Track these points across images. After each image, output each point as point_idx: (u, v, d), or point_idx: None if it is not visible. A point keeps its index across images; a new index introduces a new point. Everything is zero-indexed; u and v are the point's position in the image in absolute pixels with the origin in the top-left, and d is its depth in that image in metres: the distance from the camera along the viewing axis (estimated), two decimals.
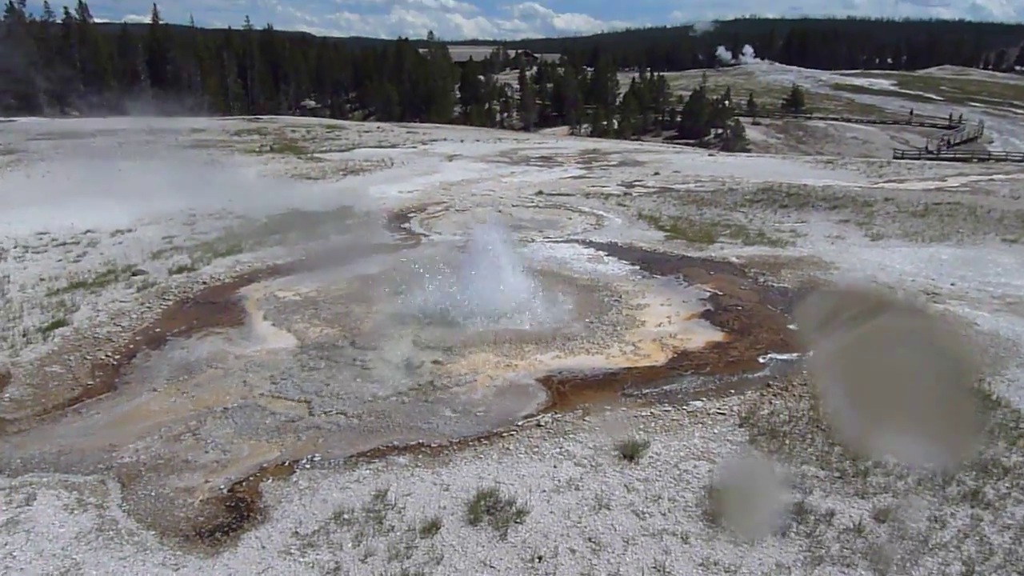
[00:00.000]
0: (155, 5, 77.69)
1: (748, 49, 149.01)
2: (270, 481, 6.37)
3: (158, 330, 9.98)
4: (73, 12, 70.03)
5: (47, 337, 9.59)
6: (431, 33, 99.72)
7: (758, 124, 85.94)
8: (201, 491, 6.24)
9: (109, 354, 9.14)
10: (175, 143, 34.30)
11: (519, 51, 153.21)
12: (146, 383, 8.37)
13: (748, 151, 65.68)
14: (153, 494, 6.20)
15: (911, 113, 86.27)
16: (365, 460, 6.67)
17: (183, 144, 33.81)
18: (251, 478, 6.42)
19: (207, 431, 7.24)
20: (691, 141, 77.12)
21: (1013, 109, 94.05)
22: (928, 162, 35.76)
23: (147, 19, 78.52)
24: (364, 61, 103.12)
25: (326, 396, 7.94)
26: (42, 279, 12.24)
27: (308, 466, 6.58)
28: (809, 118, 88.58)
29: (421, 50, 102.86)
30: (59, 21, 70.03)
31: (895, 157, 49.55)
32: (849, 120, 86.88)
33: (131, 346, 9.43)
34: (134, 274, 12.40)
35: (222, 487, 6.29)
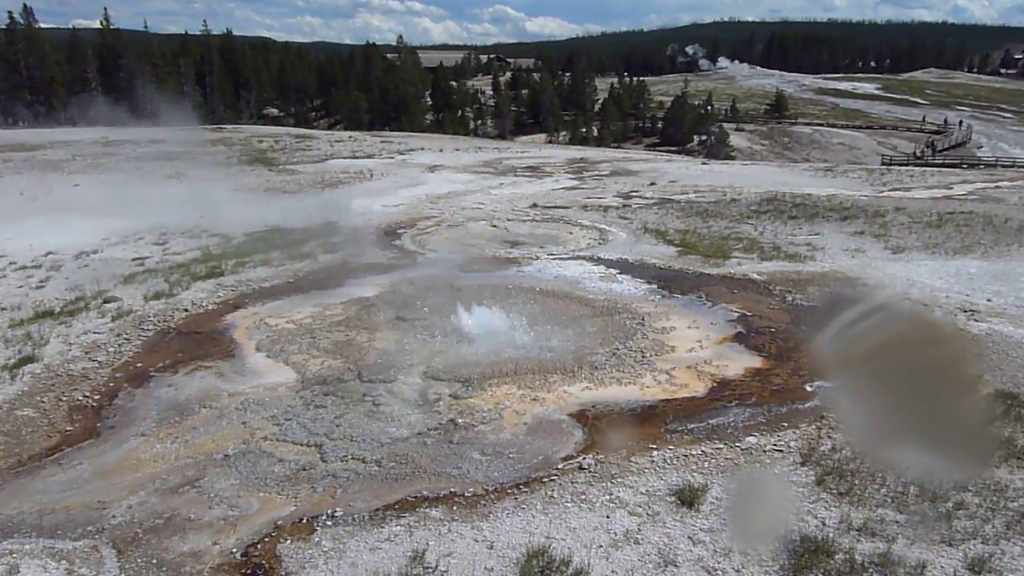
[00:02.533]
0: (105, 9, 76.70)
1: (723, 60, 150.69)
2: (289, 542, 5.87)
3: (139, 365, 9.44)
4: (17, 16, 68.64)
5: (15, 376, 9.01)
6: (400, 38, 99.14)
7: (742, 130, 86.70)
8: (211, 556, 5.73)
9: (87, 394, 8.59)
10: (135, 155, 33.55)
11: (491, 56, 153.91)
12: (132, 427, 7.83)
13: (733, 158, 66.10)
14: (155, 562, 5.68)
15: (923, 120, 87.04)
16: (393, 514, 6.20)
17: (144, 156, 33.06)
18: (267, 539, 5.92)
19: (209, 482, 6.73)
20: (673, 148, 77.61)
21: (1000, 113, 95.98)
22: (928, 168, 36.08)
23: (96, 23, 77.24)
24: (329, 67, 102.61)
25: (338, 439, 7.46)
26: (3, 308, 11.62)
27: (330, 523, 6.09)
28: (794, 123, 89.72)
29: (390, 55, 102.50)
30: (2, 26, 68.58)
31: (883, 163, 50.07)
32: (834, 125, 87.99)
33: (111, 384, 8.87)
34: (106, 301, 11.82)
35: (235, 551, 5.78)
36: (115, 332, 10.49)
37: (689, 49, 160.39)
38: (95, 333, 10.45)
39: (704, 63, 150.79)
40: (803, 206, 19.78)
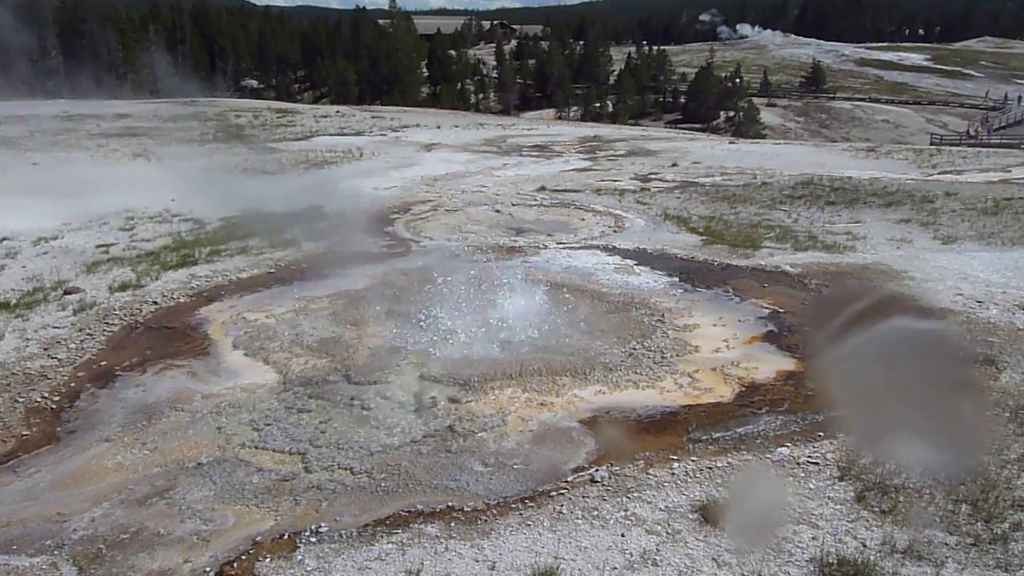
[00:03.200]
0: None
1: (745, 27, 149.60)
2: (268, 560, 5.88)
3: (104, 363, 9.46)
4: None
5: None
6: (393, 2, 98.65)
7: (774, 106, 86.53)
8: (182, 575, 5.73)
9: (46, 395, 8.61)
10: (98, 131, 33.62)
11: (494, 22, 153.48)
12: (96, 431, 7.85)
13: (763, 137, 66.00)
14: None
15: (986, 95, 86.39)
16: (385, 530, 6.20)
17: (108, 132, 33.13)
18: (244, 557, 5.93)
19: (180, 493, 6.74)
20: (697, 125, 77.55)
21: None
22: (983, 149, 35.95)
23: None
24: (314, 35, 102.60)
25: (324, 446, 7.47)
26: None
27: (314, 539, 6.10)
28: (832, 98, 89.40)
29: (381, 21, 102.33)
30: None
31: (932, 143, 49.93)
32: (878, 100, 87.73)
33: (72, 384, 8.89)
34: (67, 292, 11.85)
35: (208, 570, 5.79)
36: (77, 327, 10.51)
37: (704, 16, 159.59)
38: (55, 328, 10.47)
39: (723, 31, 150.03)
40: (842, 190, 19.74)
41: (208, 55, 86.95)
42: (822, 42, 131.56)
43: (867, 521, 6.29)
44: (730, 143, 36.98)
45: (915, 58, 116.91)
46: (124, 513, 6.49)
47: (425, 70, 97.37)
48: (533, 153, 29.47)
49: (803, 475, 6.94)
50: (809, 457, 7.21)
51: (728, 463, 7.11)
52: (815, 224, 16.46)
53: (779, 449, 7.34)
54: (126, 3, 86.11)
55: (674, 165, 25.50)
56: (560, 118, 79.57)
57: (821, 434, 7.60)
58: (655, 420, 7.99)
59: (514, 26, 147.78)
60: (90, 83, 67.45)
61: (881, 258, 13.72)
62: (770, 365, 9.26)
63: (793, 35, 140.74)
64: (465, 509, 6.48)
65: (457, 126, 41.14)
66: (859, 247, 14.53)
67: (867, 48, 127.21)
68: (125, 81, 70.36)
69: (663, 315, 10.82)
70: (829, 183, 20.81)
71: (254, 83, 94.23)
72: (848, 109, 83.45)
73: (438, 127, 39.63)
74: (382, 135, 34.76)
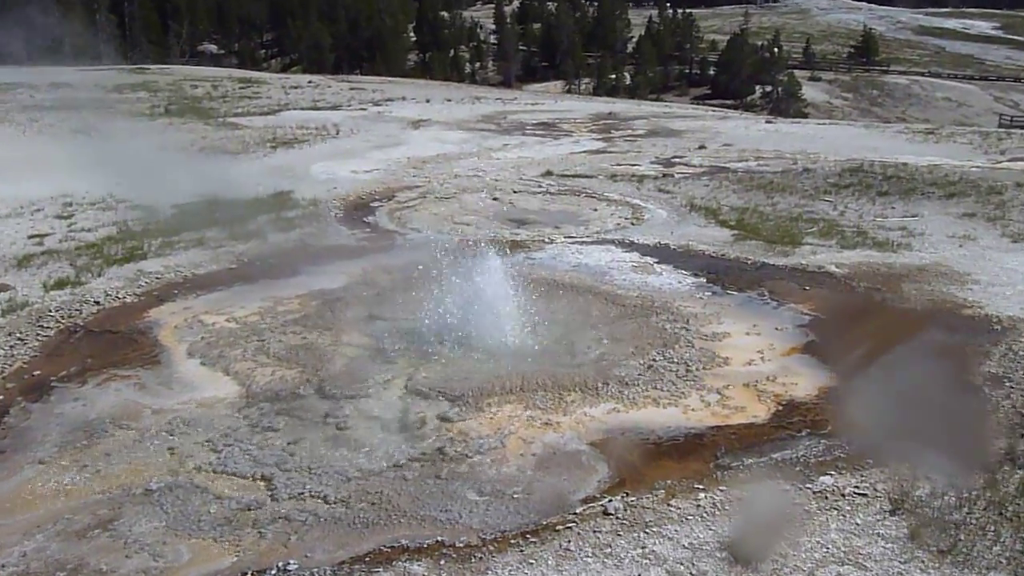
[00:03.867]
0: None
1: None
2: None
3: (37, 373, 9.50)
4: None
5: None
6: None
7: (818, 80, 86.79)
8: None
9: None
10: (31, 102, 33.67)
11: None
12: (28, 452, 7.89)
13: (805, 116, 66.14)
14: None
15: None
16: (364, 569, 6.23)
17: (42, 104, 33.17)
18: None
19: (125, 524, 6.77)
20: (729, 102, 77.67)
21: None
22: None
23: None
24: None
25: (293, 470, 7.51)
26: None
27: None
28: (886, 72, 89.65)
29: None
30: None
31: (1001, 125, 50.04)
32: (939, 75, 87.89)
33: (1, 397, 8.93)
34: None
35: None
36: (5, 330, 10.55)
37: None
38: None
39: None
40: (896, 179, 19.79)
41: (160, 15, 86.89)
42: (875, 6, 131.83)
43: (922, 562, 6.32)
44: (767, 123, 37.03)
45: (983, 26, 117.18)
46: (61, 547, 6.52)
47: (412, 35, 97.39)
48: (538, 132, 29.53)
49: (849, 508, 6.98)
50: (856, 488, 7.24)
51: (762, 494, 7.14)
52: (865, 218, 16.52)
53: (821, 478, 7.37)
54: None
55: (701, 148, 25.56)
56: (569, 91, 79.69)
57: (870, 462, 7.64)
58: (678, 443, 8.03)
59: None
60: (21, 47, 67.38)
61: (941, 258, 13.77)
62: (810, 381, 9.31)
63: None
64: (457, 545, 6.51)
65: (450, 100, 41.18)
66: (916, 245, 14.58)
67: (927, 14, 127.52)
68: (62, 45, 70.40)
69: (688, 321, 10.86)
70: (881, 170, 20.86)
71: (213, 48, 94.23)
72: (904, 85, 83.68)
73: (427, 101, 39.68)
74: (362, 109, 34.80)
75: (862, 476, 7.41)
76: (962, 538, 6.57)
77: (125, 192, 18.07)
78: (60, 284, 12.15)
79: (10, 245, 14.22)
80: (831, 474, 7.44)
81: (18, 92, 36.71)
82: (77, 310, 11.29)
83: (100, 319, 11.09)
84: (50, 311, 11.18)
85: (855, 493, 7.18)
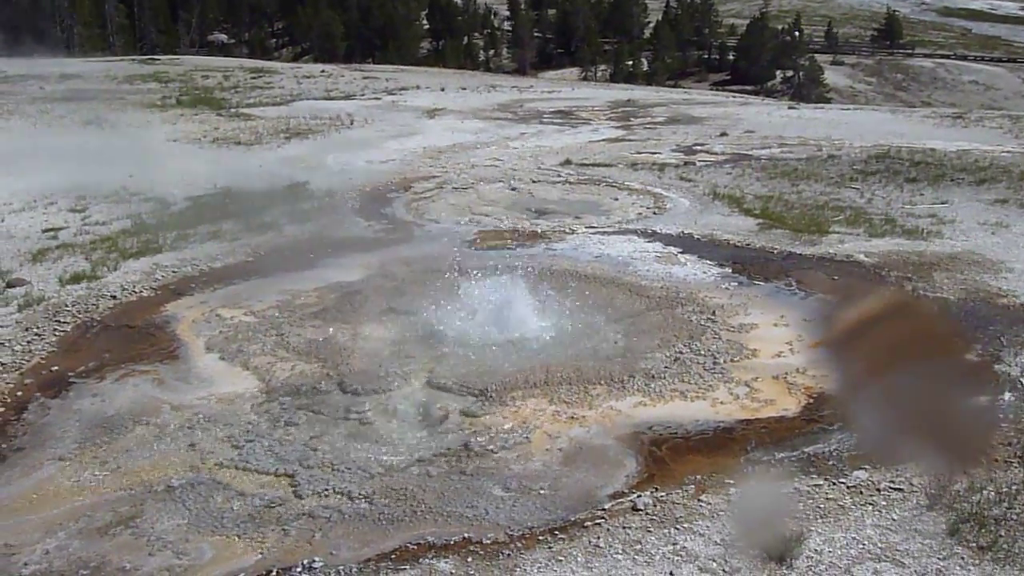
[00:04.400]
0: None
1: None
2: None
3: (55, 368, 9.53)
4: None
5: None
6: None
7: (840, 64, 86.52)
8: None
9: None
10: (41, 94, 33.82)
11: None
12: (48, 448, 7.91)
13: (829, 101, 65.88)
14: None
15: None
16: (390, 566, 6.23)
17: (52, 96, 33.32)
18: None
19: (148, 522, 6.79)
20: (750, 88, 77.48)
21: None
22: None
23: None
24: None
25: (315, 467, 7.52)
26: None
27: None
28: (910, 54, 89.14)
29: None
30: None
31: None
32: (965, 58, 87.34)
33: (19, 393, 8.96)
34: (10, 285, 11.96)
35: None
36: (23, 326, 10.59)
37: None
38: None
39: None
40: (924, 165, 19.68)
41: (169, 5, 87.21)
42: None
43: (962, 559, 6.28)
44: (789, 108, 36.88)
45: (1010, 6, 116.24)
46: (82, 545, 6.54)
47: (426, 22, 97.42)
48: (555, 120, 29.49)
49: (884, 504, 6.93)
50: (891, 482, 7.19)
51: (795, 489, 7.11)
52: (893, 205, 16.43)
53: (855, 472, 7.32)
54: None
55: (723, 135, 25.48)
56: (586, 79, 79.63)
57: (906, 454, 7.58)
58: (707, 437, 8.00)
59: None
60: (31, 38, 67.78)
61: (973, 246, 13.68)
62: (842, 373, 9.26)
63: None
64: (484, 541, 6.50)
65: (464, 88, 41.17)
66: (946, 232, 14.48)
67: None
68: (72, 36, 70.76)
69: (714, 313, 10.83)
70: (908, 156, 20.75)
71: (223, 38, 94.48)
72: (929, 68, 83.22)
73: (442, 89, 39.69)
74: (376, 99, 34.83)
75: (897, 470, 7.36)
76: (1003, 534, 6.51)
77: (139, 184, 18.14)
78: (76, 278, 12.20)
79: (24, 239, 14.29)
80: (865, 468, 7.39)
81: (28, 84, 36.88)
82: (93, 304, 11.33)
83: (117, 313, 11.13)
84: (66, 306, 11.23)
85: (891, 488, 7.12)
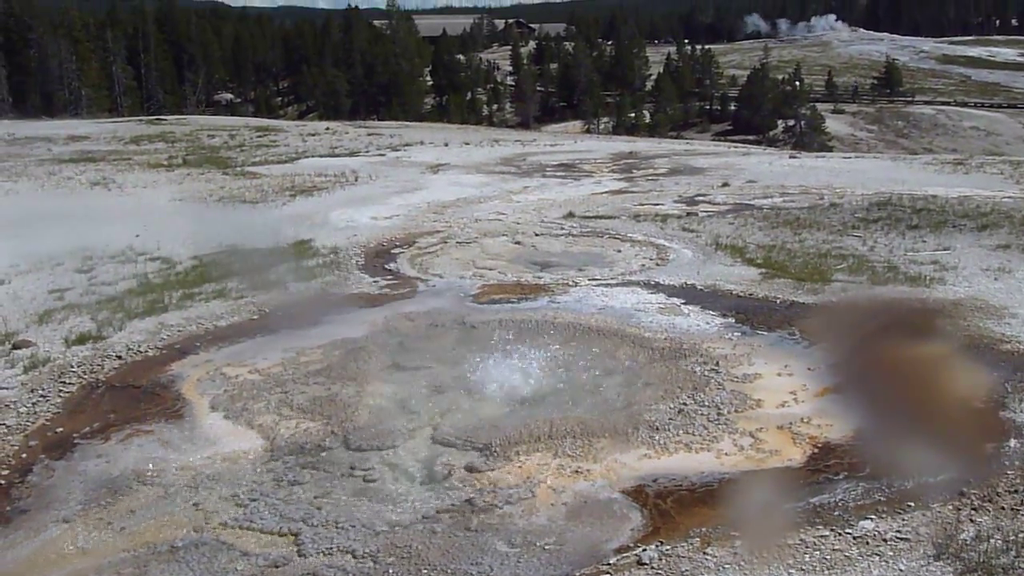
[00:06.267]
0: None
1: (784, 24, 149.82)
2: None
3: (60, 430, 9.55)
4: None
5: None
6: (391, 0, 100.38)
7: (841, 112, 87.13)
8: None
9: None
10: (49, 156, 34.16)
11: (509, 21, 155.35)
12: (52, 510, 7.91)
13: (830, 149, 66.21)
14: None
15: None
16: None
17: (60, 157, 33.66)
18: None
19: None
20: (751, 138, 77.94)
21: None
22: None
23: None
24: (299, 39, 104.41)
25: (320, 525, 7.50)
26: None
27: None
28: (910, 102, 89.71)
29: (377, 22, 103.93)
30: None
31: None
32: (965, 104, 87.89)
33: (24, 455, 8.97)
34: (16, 347, 11.99)
35: None
36: (28, 387, 10.62)
37: (750, 20, 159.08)
38: (2, 388, 10.58)
39: (759, 26, 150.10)
40: (926, 212, 19.74)
41: (175, 66, 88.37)
42: (897, 37, 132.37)
43: None
44: (791, 157, 37.09)
45: (1008, 53, 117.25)
46: None
47: (429, 78, 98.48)
48: (558, 173, 29.66)
49: (891, 554, 6.89)
50: (898, 532, 7.15)
51: (801, 540, 7.07)
52: (895, 252, 16.45)
53: (862, 523, 7.29)
54: (80, 6, 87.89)
55: (725, 185, 25.59)
56: (588, 131, 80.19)
57: (911, 504, 7.56)
58: (712, 489, 7.98)
59: (532, 25, 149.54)
60: (39, 100, 68.64)
61: (976, 292, 13.68)
62: (847, 422, 9.23)
63: (863, 29, 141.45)
64: None
65: (468, 143, 41.49)
66: (949, 279, 14.50)
67: (951, 43, 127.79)
68: (80, 98, 71.63)
69: (718, 363, 10.82)
70: (910, 203, 20.81)
71: (229, 97, 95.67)
72: (930, 115, 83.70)
73: (445, 144, 40.02)
74: (380, 155, 35.12)
75: (904, 520, 7.33)
76: None
77: (145, 244, 18.27)
78: (82, 339, 12.25)
79: (31, 300, 14.36)
80: (871, 518, 7.36)
81: (36, 146, 37.28)
82: (99, 365, 11.36)
83: (122, 374, 11.16)
84: (72, 366, 11.26)
85: (897, 538, 7.09)
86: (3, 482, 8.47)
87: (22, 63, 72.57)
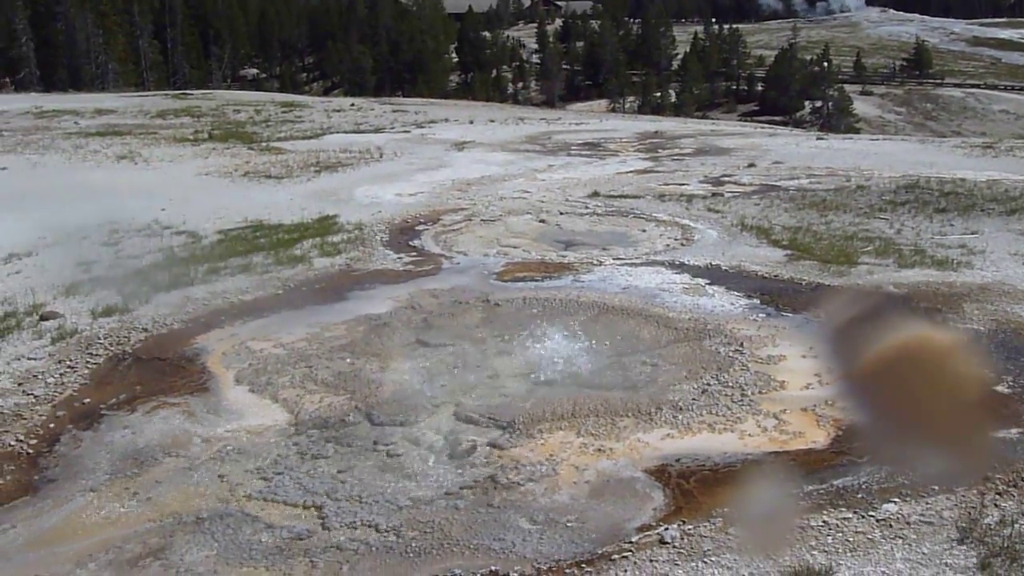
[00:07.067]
0: None
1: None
2: None
3: (87, 401, 9.65)
4: None
5: None
6: None
7: (869, 94, 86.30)
8: None
9: (21, 438, 8.80)
10: (76, 129, 34.33)
11: None
12: (79, 480, 8.01)
13: (858, 131, 65.66)
14: None
15: None
16: None
17: (87, 131, 33.81)
18: None
19: (177, 553, 6.85)
20: (778, 119, 77.33)
21: None
22: None
23: None
24: (324, 15, 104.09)
25: (343, 499, 7.57)
26: None
27: None
28: (940, 84, 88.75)
29: None
30: None
31: None
32: (995, 87, 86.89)
33: (52, 425, 9.08)
34: (43, 318, 12.10)
35: None
36: (55, 358, 10.72)
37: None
38: (30, 359, 10.70)
39: (772, 4, 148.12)
40: (955, 195, 19.55)
41: (201, 41, 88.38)
42: (927, 18, 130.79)
43: None
44: (818, 139, 36.79)
45: None
46: (113, 575, 6.61)
47: (454, 55, 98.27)
48: (583, 152, 29.55)
49: (915, 537, 6.87)
50: (922, 515, 7.13)
51: (824, 522, 7.06)
52: (922, 236, 16.31)
53: (885, 506, 7.27)
54: None
55: (751, 165, 25.43)
56: (614, 110, 79.84)
57: (936, 488, 7.52)
58: (735, 470, 7.98)
59: (559, 3, 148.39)
60: (66, 74, 68.94)
61: (1004, 276, 13.56)
62: (871, 404, 9.20)
63: (892, 10, 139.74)
64: (511, 574, 6.51)
65: (493, 121, 41.40)
66: (976, 263, 14.37)
67: (982, 24, 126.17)
68: (106, 72, 71.86)
69: (742, 344, 10.80)
70: (938, 186, 20.63)
71: (255, 72, 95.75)
72: (959, 98, 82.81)
73: (470, 122, 39.93)
74: (405, 132, 35.10)
75: (928, 503, 7.30)
76: None
77: (170, 218, 18.35)
78: (108, 311, 12.34)
79: (58, 272, 14.45)
80: (895, 501, 7.34)
81: (63, 119, 37.45)
82: (125, 337, 11.44)
83: (148, 346, 11.24)
84: (98, 338, 11.36)
85: (921, 521, 7.07)
86: (31, 452, 8.58)
87: (49, 37, 72.77)
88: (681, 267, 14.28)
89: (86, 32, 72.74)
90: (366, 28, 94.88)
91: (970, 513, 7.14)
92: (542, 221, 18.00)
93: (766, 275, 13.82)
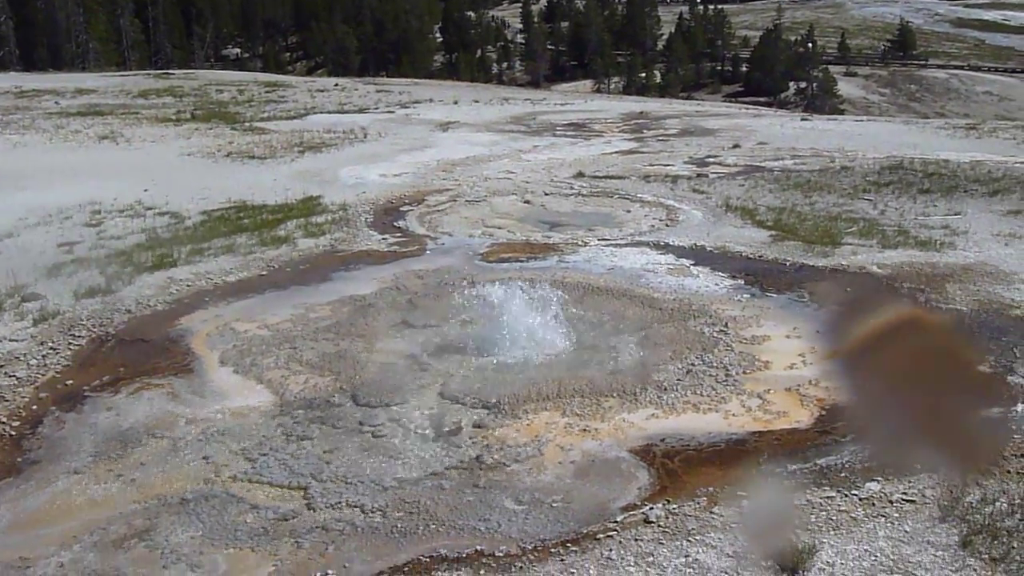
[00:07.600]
0: None
1: None
2: None
3: (70, 382, 9.60)
4: None
5: None
6: None
7: (854, 75, 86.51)
8: None
9: (3, 420, 8.75)
10: (57, 109, 34.08)
11: None
12: (63, 462, 7.97)
13: (842, 112, 65.82)
14: None
15: None
16: None
17: (68, 111, 33.58)
18: None
19: (162, 534, 6.83)
20: (763, 99, 77.49)
21: None
22: None
23: None
24: None
25: (328, 480, 7.55)
26: None
27: None
28: (924, 66, 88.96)
29: None
30: None
31: None
32: (979, 68, 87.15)
33: (34, 407, 9.03)
34: (25, 299, 12.04)
35: None
36: (38, 340, 10.66)
37: None
38: (12, 341, 10.64)
39: None
40: (938, 176, 19.63)
41: (184, 20, 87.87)
42: None
43: (974, 571, 6.26)
44: (802, 120, 36.87)
45: (1023, 17, 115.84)
46: (97, 557, 6.58)
47: (439, 35, 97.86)
48: (568, 133, 29.55)
49: (897, 515, 6.92)
50: (904, 494, 7.18)
51: (807, 500, 7.10)
52: (906, 216, 16.39)
53: (868, 484, 7.31)
54: None
55: (736, 146, 25.48)
56: (599, 91, 79.80)
57: (919, 467, 7.57)
58: (719, 449, 8.00)
59: None
60: (46, 53, 68.40)
61: (987, 257, 13.64)
62: (855, 385, 9.24)
63: None
64: (496, 554, 6.52)
65: (477, 101, 41.30)
66: (959, 243, 14.44)
67: (966, 6, 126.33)
68: (87, 51, 71.34)
69: (726, 325, 10.82)
70: (922, 167, 20.70)
71: (237, 52, 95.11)
72: (943, 79, 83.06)
73: (455, 103, 39.84)
74: (389, 112, 35.01)
75: (910, 482, 7.35)
76: (1015, 545, 6.49)
77: (153, 199, 18.27)
78: (91, 292, 12.27)
79: (40, 254, 14.38)
80: (878, 480, 7.38)
81: (44, 99, 37.20)
82: (108, 319, 11.39)
83: (131, 327, 11.19)
84: (81, 320, 11.30)
85: (903, 500, 7.11)
86: (14, 433, 8.54)
87: (29, 16, 72.21)
88: (666, 248, 14.29)
89: (67, 11, 72.20)
90: (350, 8, 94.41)
91: (952, 492, 7.18)
92: (527, 202, 18.00)
93: (751, 256, 13.85)
